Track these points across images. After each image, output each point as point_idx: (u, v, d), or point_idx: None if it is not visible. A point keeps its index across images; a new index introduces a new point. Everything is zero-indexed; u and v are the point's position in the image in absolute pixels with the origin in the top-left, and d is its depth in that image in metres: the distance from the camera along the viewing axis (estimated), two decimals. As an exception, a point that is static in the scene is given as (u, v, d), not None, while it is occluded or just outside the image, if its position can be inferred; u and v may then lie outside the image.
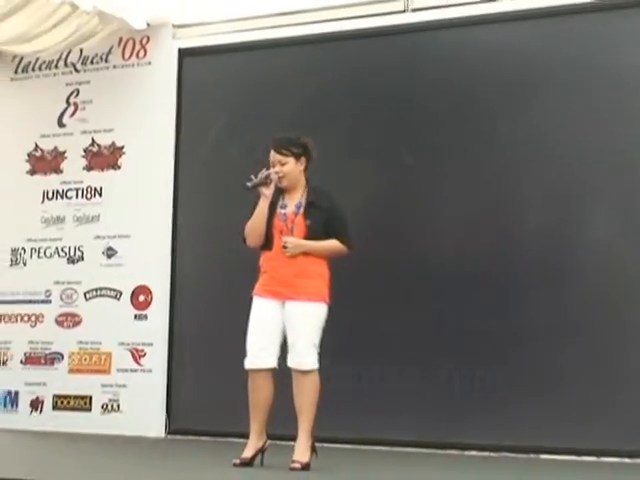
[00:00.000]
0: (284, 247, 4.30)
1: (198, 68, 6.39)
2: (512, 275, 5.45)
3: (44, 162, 6.70)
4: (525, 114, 5.57)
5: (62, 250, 6.54)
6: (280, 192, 4.43)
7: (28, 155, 6.76)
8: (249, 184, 4.33)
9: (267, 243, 4.38)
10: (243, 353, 4.34)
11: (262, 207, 4.37)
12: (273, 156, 4.40)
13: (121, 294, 6.33)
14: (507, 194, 5.60)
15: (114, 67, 6.59)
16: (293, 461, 4.17)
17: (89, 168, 6.57)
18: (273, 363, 4.30)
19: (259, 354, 4.29)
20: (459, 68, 5.74)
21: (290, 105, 6.03)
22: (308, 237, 4.33)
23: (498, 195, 5.60)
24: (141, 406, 6.14)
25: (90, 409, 6.29)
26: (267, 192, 4.36)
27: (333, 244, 4.40)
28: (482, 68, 5.70)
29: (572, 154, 5.46)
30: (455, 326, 5.47)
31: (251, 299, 4.43)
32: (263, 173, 4.36)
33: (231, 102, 6.26)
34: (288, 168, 4.38)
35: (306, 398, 4.26)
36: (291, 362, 4.27)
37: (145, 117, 6.43)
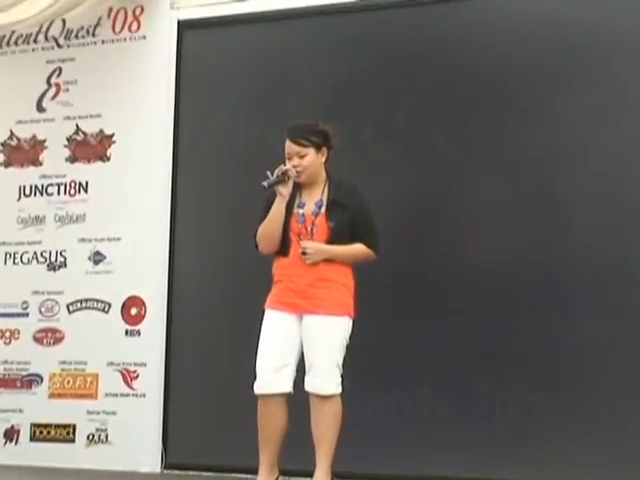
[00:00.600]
0: (303, 254, 4.32)
1: (200, 43, 6.38)
2: (563, 287, 5.42)
3: (20, 152, 6.71)
4: (581, 94, 5.54)
5: (41, 255, 6.55)
6: (297, 188, 4.45)
7: (2, 144, 6.77)
8: (266, 183, 4.36)
9: (282, 248, 4.40)
10: (252, 375, 4.37)
11: (278, 208, 4.39)
12: (290, 147, 4.43)
13: (110, 306, 6.34)
14: (559, 190, 5.58)
15: (102, 42, 6.57)
16: (310, 500, 4.23)
17: (73, 160, 6.57)
18: (288, 387, 4.34)
19: (271, 377, 4.32)
20: (504, 40, 5.71)
21: (307, 86, 6.04)
22: (331, 240, 4.36)
23: (547, 192, 5.57)
24: (133, 436, 6.14)
25: (74, 440, 6.28)
26: (284, 191, 4.38)
27: (359, 249, 4.44)
28: (530, 40, 5.65)
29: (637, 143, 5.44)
30: (500, 345, 5.45)
31: (262, 312, 4.46)
32: (280, 169, 4.38)
33: (239, 83, 6.25)
34: (308, 161, 4.41)
35: (326, 427, 4.29)
36: (309, 385, 4.30)
37: (139, 100, 6.42)
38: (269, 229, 4.41)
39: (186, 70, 6.38)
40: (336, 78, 6.01)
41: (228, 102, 6.27)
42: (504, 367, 5.43)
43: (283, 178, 4.37)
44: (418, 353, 5.56)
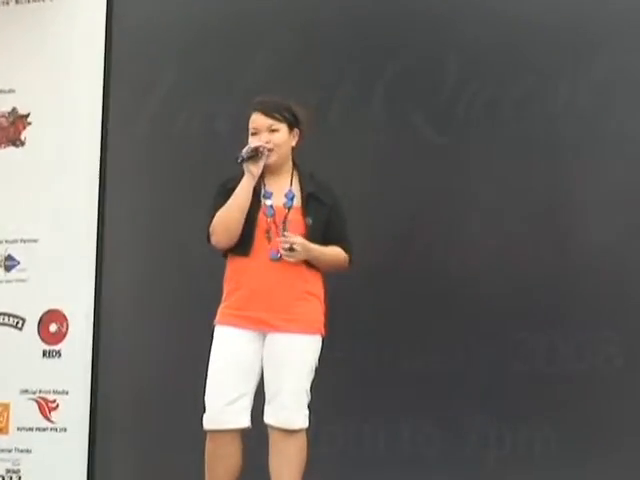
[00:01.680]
0: (290, 249, 4.22)
1: (135, 5, 6.36)
2: (569, 306, 5.45)
3: None
4: (589, 72, 5.54)
5: (-59, 261, 6.54)
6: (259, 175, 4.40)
7: None
8: (244, 154, 4.30)
9: (242, 246, 4.30)
10: (199, 406, 4.29)
11: (246, 189, 4.31)
12: (258, 120, 4.39)
13: (24, 322, 6.31)
14: (566, 187, 5.59)
15: (17, 3, 6.53)
16: None
17: (-20, 144, 6.59)
18: (245, 421, 4.26)
19: (225, 409, 4.23)
20: (500, 10, 5.71)
21: (262, 59, 6.00)
22: (307, 240, 4.28)
23: (552, 189, 5.57)
24: (52, 479, 6.09)
25: (-20, 483, 6.29)
26: (255, 169, 4.32)
27: (341, 254, 4.43)
28: (529, 12, 5.64)
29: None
30: (493, 371, 5.47)
31: (212, 329, 4.37)
32: (257, 145, 4.34)
33: (181, 54, 6.21)
34: (280, 138, 4.37)
35: (289, 467, 4.25)
36: (271, 418, 4.22)
37: (60, 74, 6.38)
38: (232, 215, 4.29)
39: (118, 38, 6.35)
40: (298, 49, 6.00)
41: (167, 77, 6.24)
42: (499, 397, 5.45)
43: (254, 153, 4.33)
44: (397, 379, 5.57)
